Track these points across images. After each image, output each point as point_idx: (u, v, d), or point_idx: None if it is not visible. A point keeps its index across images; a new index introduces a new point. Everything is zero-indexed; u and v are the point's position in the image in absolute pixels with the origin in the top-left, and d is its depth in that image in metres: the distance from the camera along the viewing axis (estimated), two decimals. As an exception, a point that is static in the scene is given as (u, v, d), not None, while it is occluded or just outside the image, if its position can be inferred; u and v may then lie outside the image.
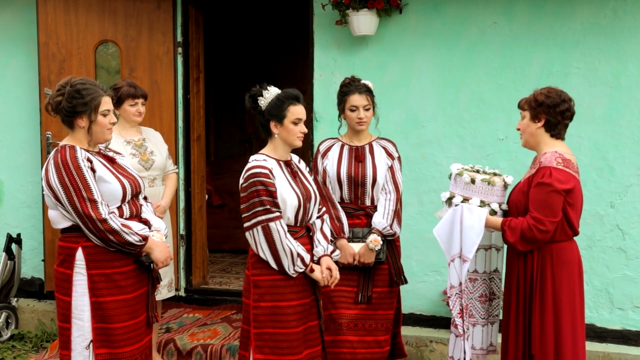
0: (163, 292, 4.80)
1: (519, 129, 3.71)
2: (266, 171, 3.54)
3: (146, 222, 3.66)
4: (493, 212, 3.63)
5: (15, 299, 5.95)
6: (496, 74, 5.00)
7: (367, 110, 4.20)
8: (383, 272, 4.20)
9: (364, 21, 5.05)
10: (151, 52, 5.69)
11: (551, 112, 3.57)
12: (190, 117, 5.87)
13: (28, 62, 6.01)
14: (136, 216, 3.63)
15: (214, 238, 7.46)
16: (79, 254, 3.46)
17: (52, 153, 3.50)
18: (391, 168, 4.26)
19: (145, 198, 3.81)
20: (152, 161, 4.69)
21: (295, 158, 3.80)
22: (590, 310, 4.92)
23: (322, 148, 4.36)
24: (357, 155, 4.26)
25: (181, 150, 5.78)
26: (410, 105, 5.19)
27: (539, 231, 3.46)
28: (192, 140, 5.88)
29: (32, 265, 6.12)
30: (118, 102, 4.64)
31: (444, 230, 3.61)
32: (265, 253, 3.53)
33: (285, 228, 3.53)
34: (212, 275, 6.72)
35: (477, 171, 3.75)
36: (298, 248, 3.54)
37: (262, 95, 3.64)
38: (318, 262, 3.65)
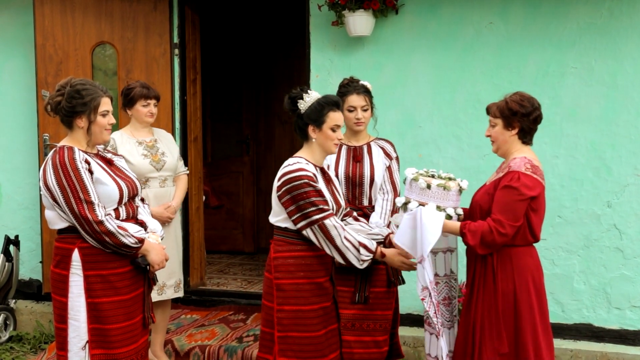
0: (169, 292, 4.80)
1: (488, 136, 3.70)
2: (310, 174, 3.54)
3: (142, 224, 3.66)
4: (448, 217, 3.60)
5: (14, 300, 5.95)
6: (492, 74, 5.01)
7: (365, 110, 4.21)
8: (380, 272, 4.20)
9: (360, 22, 5.05)
10: (148, 54, 5.69)
11: (525, 120, 3.57)
12: (187, 119, 5.87)
13: (25, 64, 6.01)
14: (132, 218, 3.63)
15: (211, 239, 7.46)
16: (75, 255, 3.46)
17: (50, 154, 3.50)
18: (389, 168, 4.26)
19: (142, 200, 3.81)
20: (164, 162, 4.71)
21: (325, 165, 3.79)
22: (588, 310, 4.93)
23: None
24: (355, 155, 4.26)
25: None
26: (406, 106, 5.20)
27: (499, 234, 3.45)
28: (189, 142, 5.88)
29: (30, 267, 6.12)
30: (130, 103, 4.67)
31: (406, 238, 3.57)
32: (329, 250, 3.53)
33: (341, 222, 3.52)
34: (210, 276, 6.72)
35: (432, 176, 3.71)
36: (359, 237, 3.54)
37: (302, 99, 3.62)
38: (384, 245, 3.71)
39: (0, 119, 6.15)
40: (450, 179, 3.71)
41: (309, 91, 3.64)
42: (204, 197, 6.25)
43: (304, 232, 3.54)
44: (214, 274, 6.93)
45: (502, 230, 3.45)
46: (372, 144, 4.31)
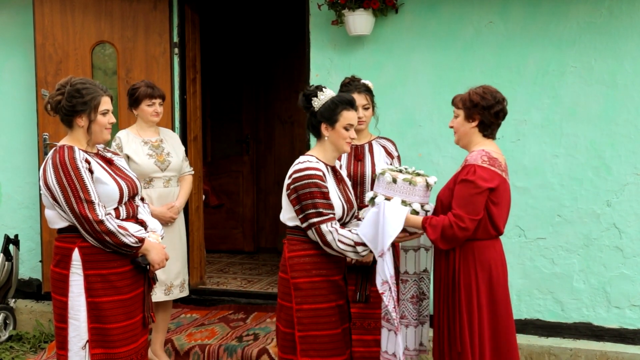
0: (175, 292, 4.80)
1: (452, 127, 3.72)
2: (320, 173, 3.54)
3: (142, 223, 3.66)
4: (415, 212, 3.58)
5: (13, 300, 5.95)
6: (492, 74, 5.00)
7: (367, 109, 4.21)
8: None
9: (359, 21, 5.05)
10: (147, 53, 5.69)
11: (485, 113, 3.57)
12: (187, 118, 5.87)
13: (25, 63, 6.01)
14: (132, 217, 3.63)
15: (211, 238, 7.47)
16: (75, 254, 3.46)
17: (51, 153, 3.50)
18: None
19: (142, 199, 3.81)
20: (169, 162, 4.72)
21: (337, 164, 3.79)
22: (587, 309, 4.93)
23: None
24: (357, 154, 4.26)
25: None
26: (406, 105, 5.20)
27: (459, 228, 3.44)
28: (188, 141, 5.88)
29: (29, 266, 6.12)
30: (136, 102, 4.67)
31: (368, 230, 3.55)
32: (330, 251, 3.54)
33: (337, 226, 3.52)
34: (210, 275, 6.72)
35: (401, 171, 3.72)
36: (354, 237, 3.53)
37: (316, 96, 3.62)
38: None
39: (0, 118, 6.15)
40: (418, 174, 3.70)
41: (323, 89, 3.64)
42: (203, 197, 6.25)
43: (307, 232, 3.55)
44: (214, 273, 6.94)
45: (462, 224, 3.44)
46: (373, 142, 4.31)
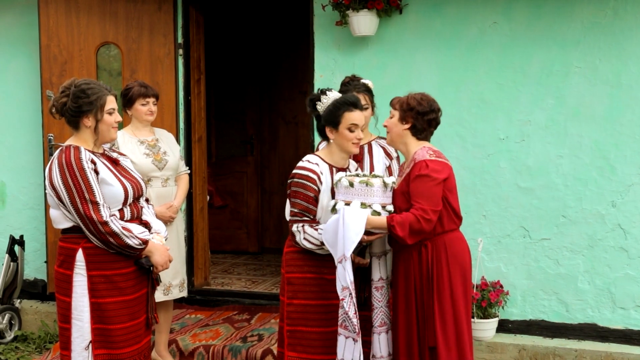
0: (174, 292, 4.81)
1: (385, 126, 3.81)
2: (313, 175, 3.59)
3: (147, 224, 3.67)
4: (376, 213, 3.58)
5: (19, 300, 5.96)
6: (496, 74, 5.00)
7: (365, 109, 4.19)
8: (379, 272, 4.19)
9: (364, 22, 5.05)
10: (152, 54, 5.70)
11: (419, 118, 3.69)
12: (192, 119, 5.88)
13: (29, 64, 6.03)
14: (137, 218, 3.63)
15: (215, 239, 7.48)
16: (79, 255, 3.47)
17: (57, 153, 3.51)
18: (389, 168, 4.25)
19: (147, 200, 3.82)
20: (166, 161, 4.72)
21: (353, 166, 3.79)
22: (592, 309, 4.92)
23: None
24: (356, 155, 4.25)
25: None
26: (410, 106, 5.19)
27: (425, 221, 3.52)
28: (193, 142, 5.89)
29: (34, 267, 6.14)
30: (129, 102, 4.68)
31: (329, 235, 3.56)
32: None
33: (307, 226, 3.58)
34: (214, 276, 6.73)
35: (358, 175, 3.71)
36: (319, 236, 3.57)
37: (319, 100, 3.67)
38: None
39: (5, 119, 6.17)
40: (375, 176, 3.71)
41: (327, 92, 3.68)
42: (208, 197, 6.26)
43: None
44: (218, 274, 6.94)
45: (426, 216, 3.52)
46: (372, 143, 4.30)
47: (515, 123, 4.98)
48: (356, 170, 3.84)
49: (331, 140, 3.66)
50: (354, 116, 3.63)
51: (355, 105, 3.65)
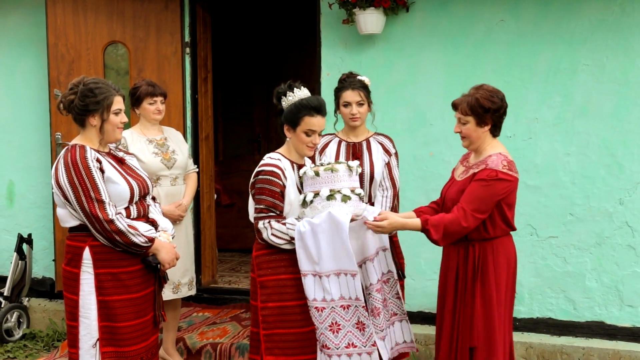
0: (183, 290, 4.82)
1: (458, 132, 3.69)
2: (277, 170, 3.56)
3: (153, 223, 3.68)
4: (346, 198, 3.53)
5: (27, 298, 5.99)
6: (503, 72, 4.99)
7: (361, 105, 4.20)
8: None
9: (370, 20, 5.05)
10: (159, 53, 5.71)
11: (496, 116, 3.61)
12: (199, 117, 5.89)
13: (37, 63, 6.05)
14: (144, 216, 3.65)
15: (223, 237, 7.48)
16: (86, 253, 3.48)
17: (62, 152, 3.52)
18: (388, 164, 4.26)
19: (153, 198, 3.83)
20: (174, 160, 4.73)
21: (308, 162, 3.77)
22: (600, 307, 4.91)
23: (320, 144, 4.37)
24: (355, 152, 4.25)
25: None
26: (417, 104, 5.19)
27: (460, 226, 3.48)
28: (200, 140, 5.90)
29: (43, 265, 6.17)
30: (137, 101, 4.69)
31: (309, 242, 3.51)
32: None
33: (273, 224, 3.56)
34: (221, 274, 6.74)
35: (322, 164, 3.65)
36: (290, 232, 3.53)
37: (285, 95, 3.63)
38: None
39: (13, 118, 6.19)
40: (339, 162, 3.65)
41: (295, 89, 3.61)
42: (215, 196, 6.27)
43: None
44: (226, 272, 6.95)
45: (464, 223, 3.48)
46: (371, 139, 4.30)
47: (523, 121, 4.97)
48: (312, 165, 3.80)
49: (288, 139, 3.65)
50: (313, 121, 3.57)
51: (318, 110, 3.58)
